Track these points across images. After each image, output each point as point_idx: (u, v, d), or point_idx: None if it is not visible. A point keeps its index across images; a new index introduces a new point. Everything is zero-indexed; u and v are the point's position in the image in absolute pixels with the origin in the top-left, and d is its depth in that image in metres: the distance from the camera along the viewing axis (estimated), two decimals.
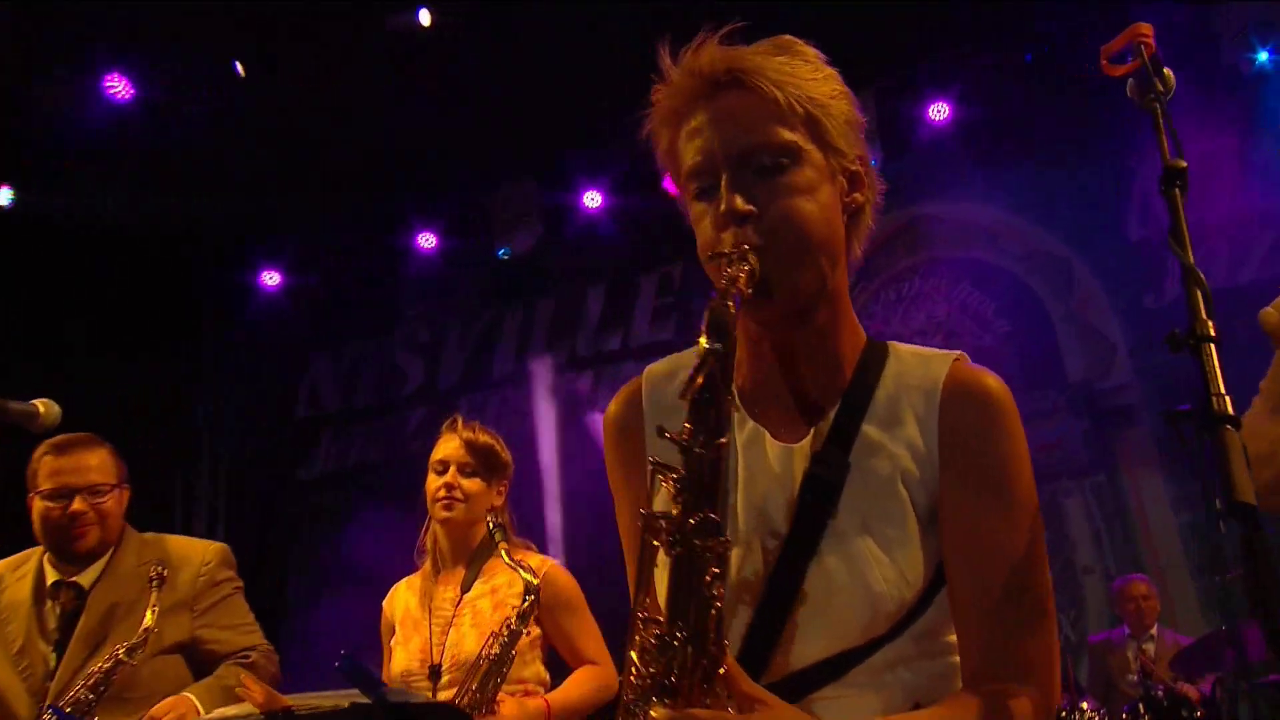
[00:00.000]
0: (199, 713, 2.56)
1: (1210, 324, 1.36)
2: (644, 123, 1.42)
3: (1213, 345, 1.34)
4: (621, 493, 1.55)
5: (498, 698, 2.67)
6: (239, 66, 5.90)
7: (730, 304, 1.22)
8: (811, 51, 1.41)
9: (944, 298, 6.69)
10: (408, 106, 6.33)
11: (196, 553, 2.88)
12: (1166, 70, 1.60)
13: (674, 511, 1.19)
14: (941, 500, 1.36)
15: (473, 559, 2.94)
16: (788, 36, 1.41)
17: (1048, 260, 6.54)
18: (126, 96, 5.84)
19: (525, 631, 2.72)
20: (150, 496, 5.69)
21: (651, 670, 1.21)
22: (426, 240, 7.26)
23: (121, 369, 5.72)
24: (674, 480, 1.20)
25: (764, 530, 1.36)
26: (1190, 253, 1.40)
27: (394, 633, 2.96)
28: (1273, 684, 4.79)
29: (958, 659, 1.39)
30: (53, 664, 2.66)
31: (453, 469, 2.92)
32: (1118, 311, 6.43)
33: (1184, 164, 1.50)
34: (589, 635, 2.93)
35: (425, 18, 5.89)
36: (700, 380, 1.17)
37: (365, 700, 1.41)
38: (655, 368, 1.52)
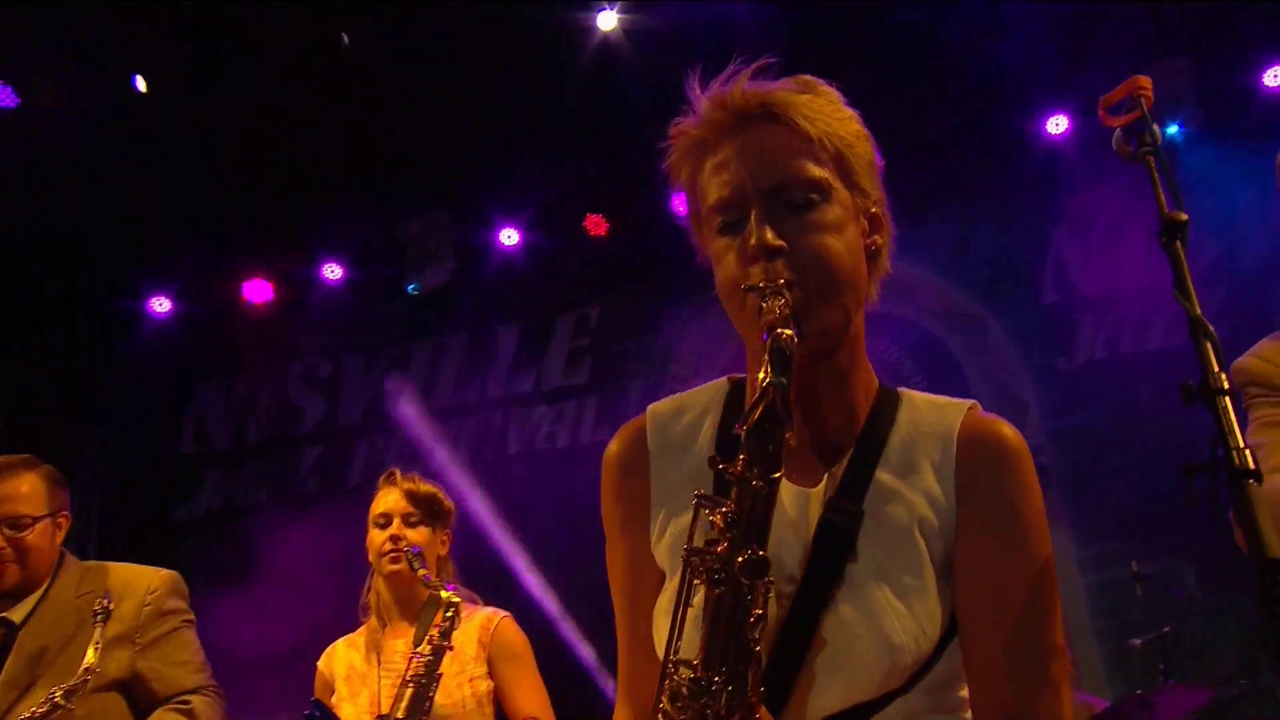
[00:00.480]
0: None
1: (1224, 376, 1.36)
2: (663, 155, 1.42)
3: (1227, 398, 1.35)
4: (617, 533, 1.53)
5: None
6: (139, 81, 5.68)
7: (794, 335, 1.23)
8: (833, 92, 1.42)
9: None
10: (320, 131, 6.25)
11: (142, 580, 2.73)
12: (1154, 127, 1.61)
13: (719, 548, 1.19)
14: (959, 550, 1.37)
15: (422, 611, 2.90)
16: (809, 76, 1.43)
17: (963, 319, 6.58)
18: (9, 104, 5.59)
19: (448, 647, 2.74)
20: None
21: (682, 716, 1.20)
22: (332, 271, 7.09)
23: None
24: (724, 514, 1.20)
25: (779, 576, 1.31)
26: (1196, 305, 1.41)
27: (333, 692, 2.96)
28: None
29: (969, 715, 1.40)
30: None
31: (397, 521, 2.94)
32: (1030, 372, 6.48)
33: (1184, 216, 1.50)
34: (535, 690, 2.95)
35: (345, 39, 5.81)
36: (760, 412, 1.19)
37: None
38: (659, 406, 1.54)
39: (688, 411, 1.51)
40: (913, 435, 1.43)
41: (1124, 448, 6.01)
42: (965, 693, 1.40)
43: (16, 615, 2.62)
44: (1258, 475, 1.33)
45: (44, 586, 2.67)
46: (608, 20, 5.83)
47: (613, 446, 1.56)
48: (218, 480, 7.28)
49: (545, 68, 6.09)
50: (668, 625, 1.28)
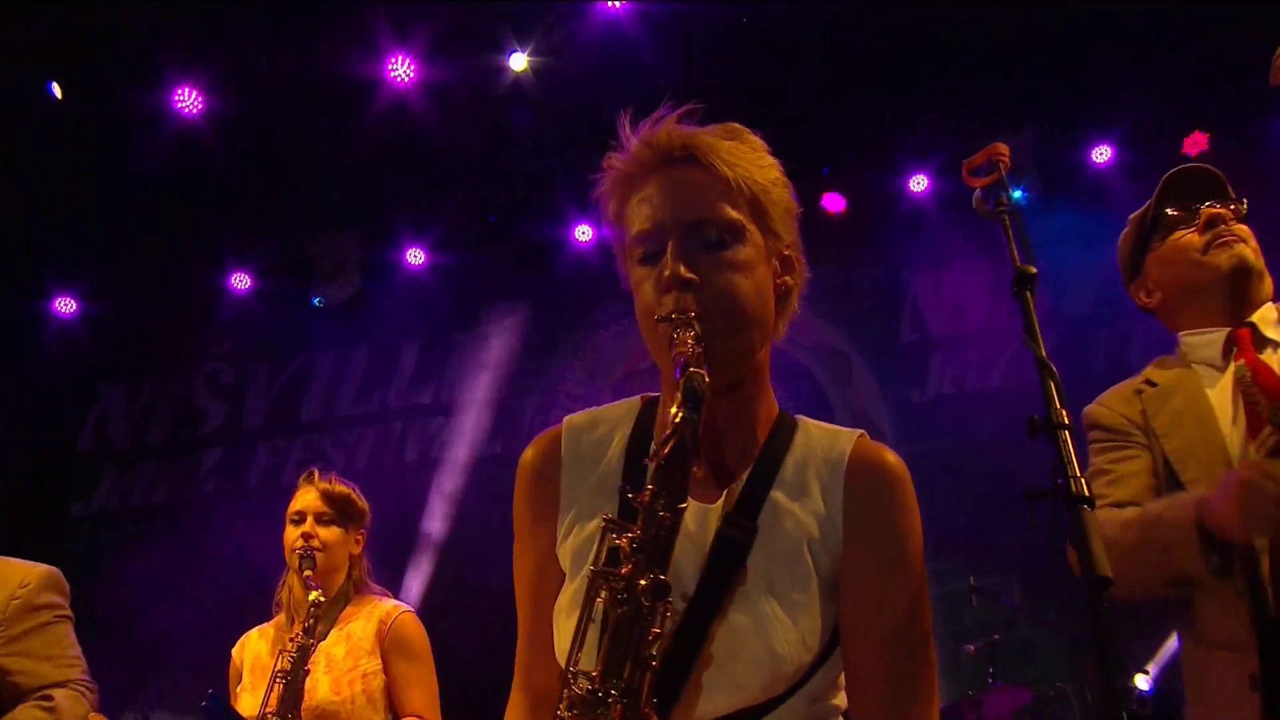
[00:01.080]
0: None
1: (1064, 413, 1.41)
2: (597, 186, 1.43)
3: (1066, 432, 1.39)
4: (526, 537, 1.52)
5: None
6: (55, 87, 5.53)
7: (705, 374, 1.24)
8: (758, 140, 1.44)
9: None
10: (237, 142, 6.08)
11: (16, 575, 2.57)
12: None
13: (624, 570, 1.19)
14: (844, 568, 1.37)
15: (332, 606, 2.90)
16: (736, 125, 1.45)
17: (831, 354, 6.76)
18: None
19: (312, 645, 2.69)
20: None
21: None
22: (241, 281, 6.96)
23: None
24: (629, 539, 1.20)
25: (676, 584, 1.29)
26: (1043, 348, 1.47)
27: (240, 679, 2.93)
28: None
29: (836, 708, 1.43)
30: None
31: (310, 519, 2.91)
32: (887, 403, 6.71)
33: (1034, 270, 1.55)
34: (423, 689, 2.88)
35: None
36: (670, 447, 1.20)
37: None
38: (575, 419, 1.53)
39: (600, 426, 1.52)
40: (806, 459, 1.44)
41: (965, 474, 6.15)
42: (840, 700, 1.42)
43: None
44: (1091, 502, 1.38)
45: None
46: (518, 61, 5.84)
47: (529, 453, 1.56)
48: (115, 478, 7.07)
49: (458, 102, 6.06)
50: (566, 625, 1.33)
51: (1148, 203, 2.21)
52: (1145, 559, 1.91)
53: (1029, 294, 1.57)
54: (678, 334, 1.27)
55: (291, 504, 2.97)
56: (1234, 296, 2.11)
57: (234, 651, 3.00)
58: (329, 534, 2.90)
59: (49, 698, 2.48)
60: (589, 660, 1.23)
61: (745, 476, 1.41)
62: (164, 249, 6.79)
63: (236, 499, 6.90)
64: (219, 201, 6.51)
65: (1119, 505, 2.00)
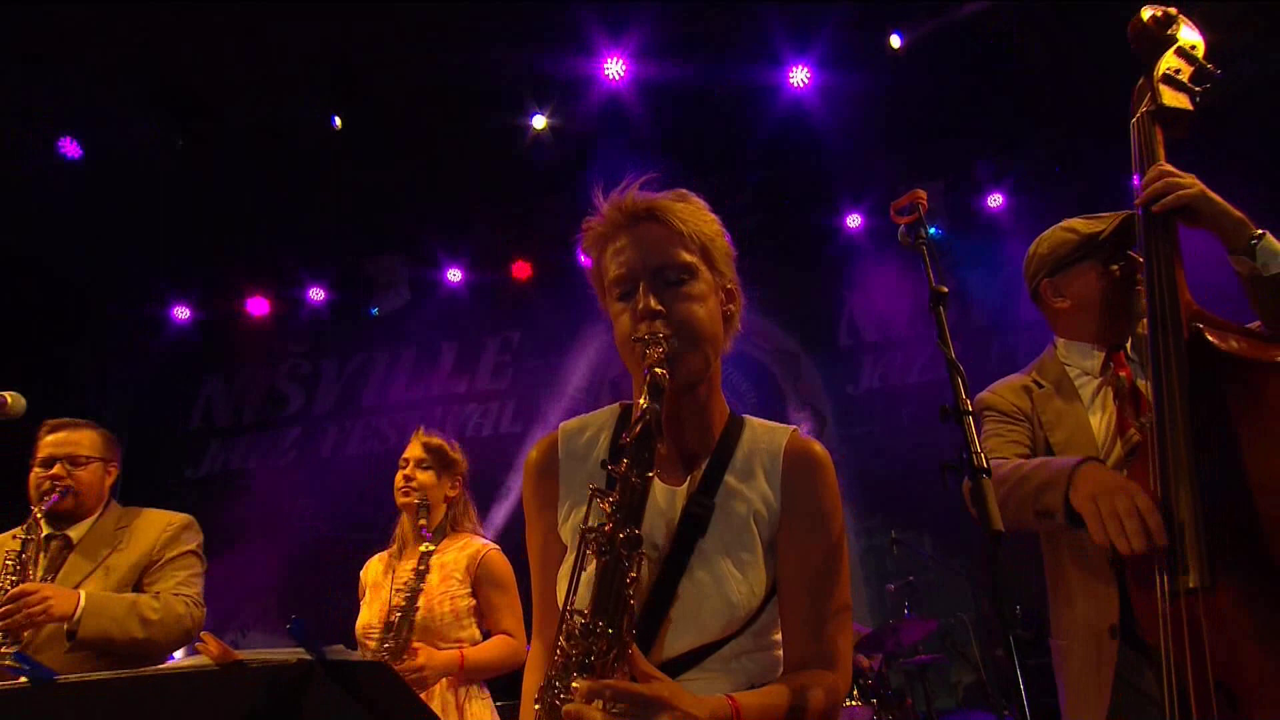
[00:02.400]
0: (78, 605, 2.39)
1: (968, 402, 1.47)
2: (578, 240, 1.53)
3: (970, 418, 1.45)
4: (535, 520, 1.56)
5: (413, 646, 2.59)
6: (178, 138, 5.68)
7: (667, 374, 1.34)
8: (701, 201, 1.57)
9: None
10: (313, 185, 6.21)
11: (164, 517, 2.72)
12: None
13: (606, 528, 1.26)
14: (780, 535, 1.45)
15: (433, 540, 2.83)
16: (684, 190, 1.57)
17: (785, 355, 6.90)
18: (74, 154, 5.59)
19: (420, 590, 2.65)
20: None
21: (574, 651, 1.24)
22: (315, 294, 7.14)
23: (52, 382, 5.50)
24: (610, 502, 1.27)
25: (651, 550, 1.39)
26: (951, 350, 1.52)
27: (365, 594, 2.88)
28: (917, 663, 5.10)
29: (780, 652, 1.46)
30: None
31: (411, 464, 2.88)
32: (829, 394, 6.83)
33: (945, 289, 1.61)
34: (510, 612, 2.81)
35: (337, 122, 5.79)
36: (639, 429, 1.29)
37: (309, 656, 1.25)
38: (568, 425, 1.59)
39: (589, 429, 1.56)
40: (753, 450, 1.50)
41: (890, 451, 6.30)
42: (778, 636, 1.47)
43: (75, 534, 2.59)
44: (989, 472, 1.42)
45: (95, 516, 2.64)
46: (539, 121, 6.00)
47: (532, 454, 1.58)
48: (218, 450, 7.20)
49: (490, 153, 6.15)
50: (566, 587, 1.34)
51: (1105, 225, 2.02)
52: (1024, 493, 1.81)
53: (941, 308, 1.60)
54: (649, 351, 1.36)
55: (405, 452, 2.93)
56: (1122, 331, 2.05)
57: (362, 573, 2.94)
58: (424, 476, 2.85)
59: (158, 595, 2.56)
60: (582, 604, 1.27)
61: (705, 465, 1.48)
62: (256, 269, 6.97)
63: (311, 467, 7.04)
64: (297, 233, 6.64)
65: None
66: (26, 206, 5.82)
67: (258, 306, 7.12)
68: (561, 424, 1.60)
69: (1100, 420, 1.98)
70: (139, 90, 5.48)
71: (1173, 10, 1.90)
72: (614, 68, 5.69)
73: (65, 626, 2.38)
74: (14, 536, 2.56)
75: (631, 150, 6.28)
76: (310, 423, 7.24)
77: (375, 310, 7.09)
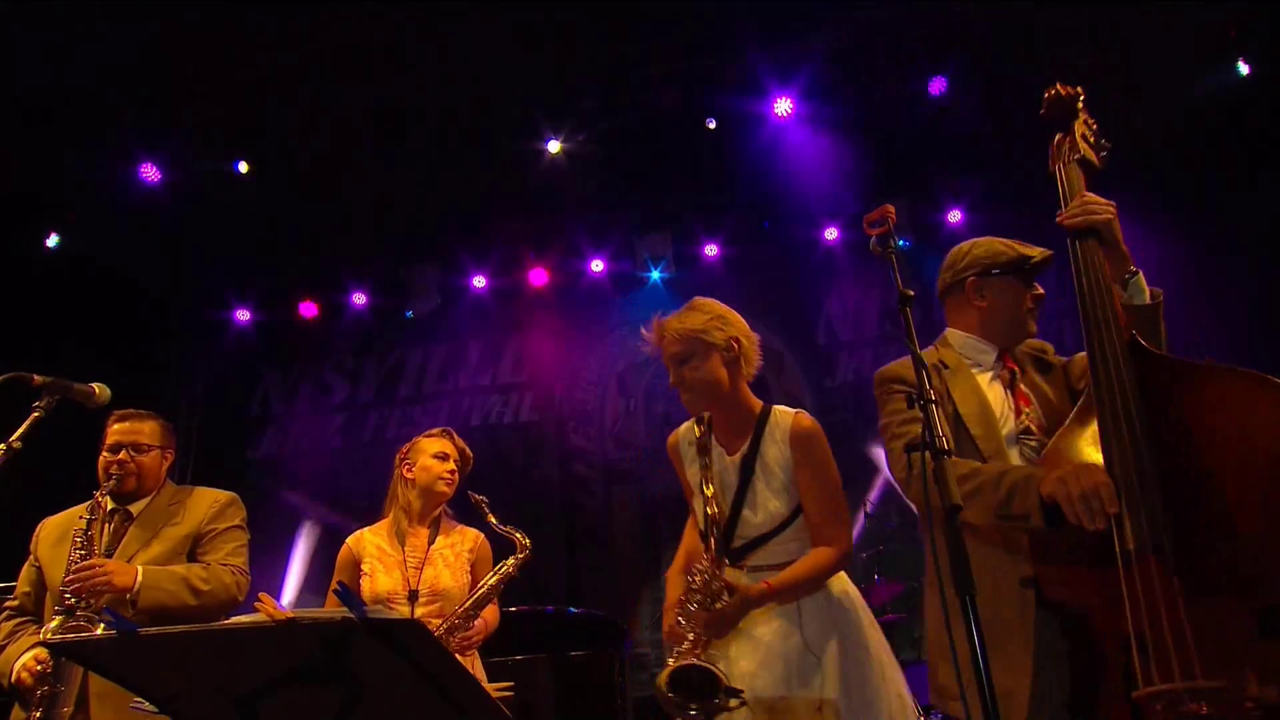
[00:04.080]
0: (136, 579, 2.39)
1: (932, 392, 1.53)
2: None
3: (934, 406, 1.51)
4: (683, 480, 2.36)
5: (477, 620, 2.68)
6: (241, 165, 5.80)
7: (706, 415, 2.24)
8: (707, 303, 2.25)
9: None
10: (357, 205, 6.28)
11: (211, 494, 2.72)
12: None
13: (704, 485, 2.17)
14: (795, 475, 2.15)
15: (434, 522, 2.85)
16: (698, 298, 2.27)
17: (769, 352, 6.51)
18: (154, 180, 5.68)
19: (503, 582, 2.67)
20: None
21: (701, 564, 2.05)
22: (358, 298, 7.18)
23: (137, 375, 5.46)
24: (702, 465, 2.20)
25: (725, 490, 2.19)
26: (917, 347, 1.60)
27: (357, 564, 2.76)
28: (885, 621, 4.73)
29: (808, 538, 2.13)
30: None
31: (452, 460, 2.84)
32: (809, 388, 6.87)
33: (911, 293, 1.66)
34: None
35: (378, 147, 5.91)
36: (700, 434, 2.23)
37: (351, 615, 1.28)
38: (680, 429, 2.36)
39: (686, 431, 2.33)
40: (775, 427, 2.18)
41: (862, 437, 6.30)
42: (805, 531, 2.12)
43: (135, 509, 2.59)
44: (950, 453, 1.43)
45: (151, 495, 2.64)
46: (554, 146, 6.08)
47: (671, 440, 2.37)
48: (274, 434, 7.25)
49: (511, 174, 6.23)
50: (697, 523, 2.19)
51: (1035, 254, 2.03)
52: (991, 498, 1.71)
53: (908, 309, 1.63)
54: (684, 398, 2.20)
55: (433, 447, 2.85)
56: (1013, 342, 2.06)
57: (350, 541, 2.82)
58: (457, 475, 2.85)
59: (207, 565, 2.55)
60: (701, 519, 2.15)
61: (749, 439, 2.19)
62: (307, 276, 7.01)
63: (354, 450, 7.07)
64: (343, 246, 6.72)
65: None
66: (116, 226, 5.92)
67: (308, 309, 7.15)
68: (678, 429, 2.37)
69: (996, 396, 1.98)
70: (212, 124, 5.57)
71: (1079, 89, 2.03)
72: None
73: (127, 597, 2.39)
74: (80, 517, 2.55)
75: (631, 175, 6.37)
76: (353, 411, 7.26)
77: (410, 313, 7.12)
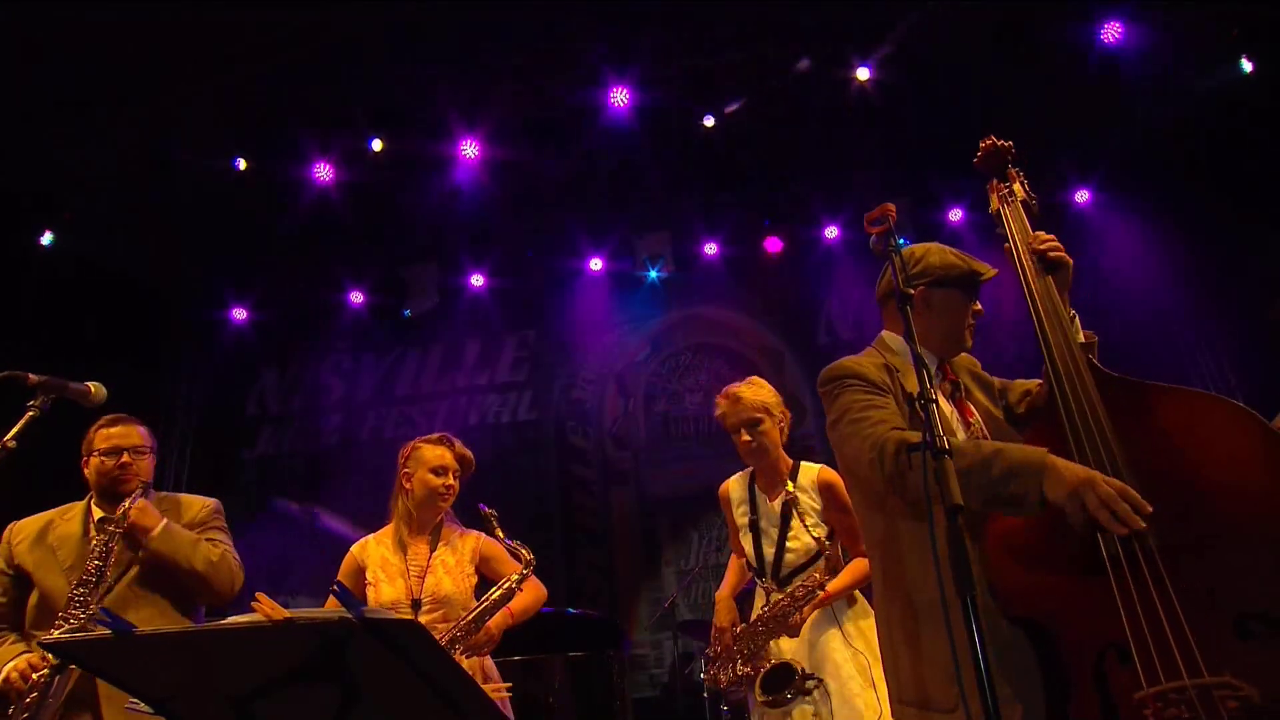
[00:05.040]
0: (160, 523, 2.49)
1: (934, 392, 1.54)
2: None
3: (934, 405, 1.50)
4: (731, 525, 3.10)
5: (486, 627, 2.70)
6: (240, 162, 5.79)
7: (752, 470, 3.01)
8: (761, 381, 2.97)
9: (706, 369, 7.01)
10: (356, 203, 6.28)
11: (200, 501, 2.74)
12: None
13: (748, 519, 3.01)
14: (825, 519, 2.86)
15: (435, 529, 2.86)
16: (757, 378, 2.98)
17: (769, 351, 6.97)
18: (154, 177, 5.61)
19: (509, 594, 2.71)
20: None
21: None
22: (356, 297, 7.18)
23: (137, 375, 5.55)
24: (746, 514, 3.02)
25: (770, 528, 2.90)
26: (918, 345, 1.62)
27: (362, 572, 2.80)
28: None
29: (823, 563, 2.80)
30: (98, 577, 2.41)
31: (451, 474, 2.83)
32: (808, 387, 6.58)
33: (912, 291, 1.71)
34: (506, 565, 2.87)
35: (377, 144, 5.90)
36: (748, 484, 3.00)
37: (349, 615, 1.28)
38: (733, 480, 3.07)
39: (736, 483, 3.07)
40: (804, 476, 2.89)
41: None
42: (837, 553, 2.77)
43: (118, 512, 2.49)
44: (951, 453, 1.42)
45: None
46: (551, 153, 5.99)
47: (722, 490, 3.08)
48: (270, 433, 7.24)
49: (507, 178, 6.21)
50: (746, 555, 2.96)
51: (985, 270, 2.04)
52: (986, 478, 1.63)
53: (909, 308, 1.64)
54: (749, 452, 2.91)
55: (432, 459, 2.83)
56: (951, 352, 2.05)
57: (355, 550, 2.86)
58: (457, 485, 2.85)
59: (218, 548, 2.60)
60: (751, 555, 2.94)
61: (785, 486, 2.89)
62: (305, 276, 6.99)
63: (351, 448, 7.08)
64: (341, 244, 6.71)
65: (903, 430, 1.85)
66: (113, 224, 5.90)
67: (305, 308, 7.15)
68: (730, 479, 3.10)
69: (945, 408, 1.96)
70: (218, 130, 5.58)
71: (1010, 143, 2.13)
72: (619, 96, 5.73)
73: (144, 539, 2.47)
74: (64, 517, 2.56)
75: (639, 176, 6.39)
76: (350, 411, 7.27)
77: (408, 312, 7.13)
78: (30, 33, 4.61)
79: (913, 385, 1.85)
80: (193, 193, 5.79)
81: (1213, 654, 1.44)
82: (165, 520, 2.52)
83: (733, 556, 3.10)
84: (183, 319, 6.93)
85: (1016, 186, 2.07)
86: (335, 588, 1.39)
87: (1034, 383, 2.09)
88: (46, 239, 5.97)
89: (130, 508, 2.47)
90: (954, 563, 1.37)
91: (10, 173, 5.33)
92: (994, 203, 2.05)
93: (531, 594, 2.85)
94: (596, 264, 7.08)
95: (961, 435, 1.92)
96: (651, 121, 5.92)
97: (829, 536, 2.80)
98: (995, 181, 2.09)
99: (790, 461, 2.91)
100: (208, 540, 2.61)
